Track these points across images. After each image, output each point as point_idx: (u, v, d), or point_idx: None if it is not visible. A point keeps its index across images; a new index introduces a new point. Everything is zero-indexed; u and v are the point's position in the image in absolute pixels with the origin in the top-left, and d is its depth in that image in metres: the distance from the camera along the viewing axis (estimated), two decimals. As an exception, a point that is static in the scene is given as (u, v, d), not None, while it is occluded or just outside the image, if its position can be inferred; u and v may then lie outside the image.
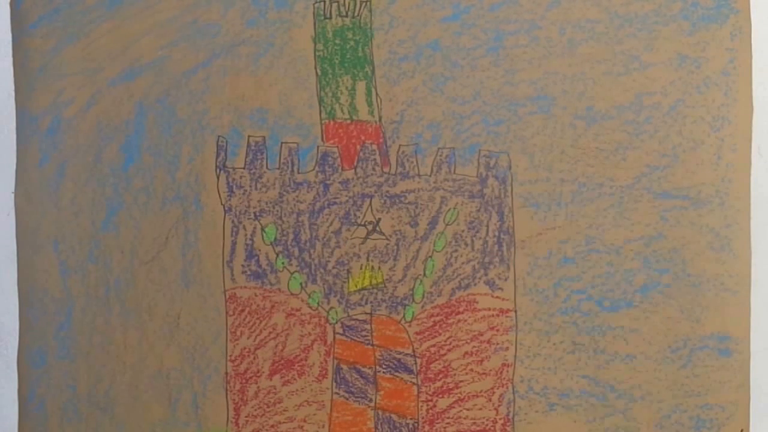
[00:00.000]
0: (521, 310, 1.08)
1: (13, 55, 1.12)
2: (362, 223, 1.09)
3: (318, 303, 1.09)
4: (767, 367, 1.11)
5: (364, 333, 1.09)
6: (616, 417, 1.07)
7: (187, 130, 1.10)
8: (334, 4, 1.09)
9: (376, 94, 1.08)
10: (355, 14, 1.09)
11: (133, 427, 1.10)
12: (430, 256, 1.08)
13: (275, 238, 1.09)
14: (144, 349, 1.10)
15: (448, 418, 1.09)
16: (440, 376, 1.08)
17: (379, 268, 1.08)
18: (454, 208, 1.08)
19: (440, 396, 1.09)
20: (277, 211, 1.09)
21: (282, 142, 1.09)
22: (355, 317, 1.09)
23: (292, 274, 1.09)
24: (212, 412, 1.09)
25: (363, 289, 1.09)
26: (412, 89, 1.08)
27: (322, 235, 1.09)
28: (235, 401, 1.09)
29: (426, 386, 1.09)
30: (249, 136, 1.09)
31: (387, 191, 1.09)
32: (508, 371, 1.08)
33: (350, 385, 1.09)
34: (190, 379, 1.10)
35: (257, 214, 1.09)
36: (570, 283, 1.07)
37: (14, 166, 1.12)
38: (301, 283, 1.09)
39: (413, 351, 1.09)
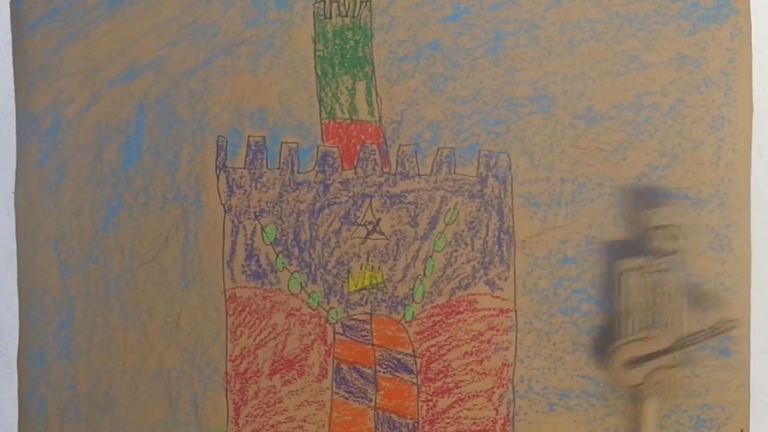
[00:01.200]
0: (521, 310, 1.08)
1: (13, 55, 1.12)
2: (362, 223, 1.09)
3: (318, 303, 1.09)
4: (767, 367, 1.11)
5: (364, 333, 1.09)
6: (616, 417, 1.07)
7: (187, 130, 1.10)
8: (334, 4, 1.09)
9: (376, 94, 1.08)
10: (355, 14, 1.09)
11: (133, 427, 1.10)
12: (430, 256, 1.08)
13: (275, 238, 1.09)
14: (144, 349, 1.10)
15: (448, 418, 1.09)
16: (440, 376, 1.08)
17: (379, 268, 1.09)
18: (454, 208, 1.08)
19: (440, 396, 1.09)
20: (277, 211, 1.09)
21: (282, 142, 1.09)
22: (355, 317, 1.09)
23: (292, 274, 1.09)
24: (212, 412, 1.10)
25: (363, 289, 1.09)
26: (412, 89, 1.08)
27: (322, 235, 1.09)
28: (235, 401, 1.09)
29: (426, 386, 1.09)
30: (249, 136, 1.09)
31: (387, 191, 1.09)
32: (508, 371, 1.08)
33: (350, 385, 1.09)
34: (190, 379, 1.10)
35: (257, 214, 1.09)
36: (570, 283, 1.07)
37: (14, 166, 1.12)
38: (301, 283, 1.09)
39: (413, 351, 1.09)
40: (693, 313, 1.06)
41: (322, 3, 1.09)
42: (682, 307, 1.04)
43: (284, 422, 1.09)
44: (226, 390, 1.09)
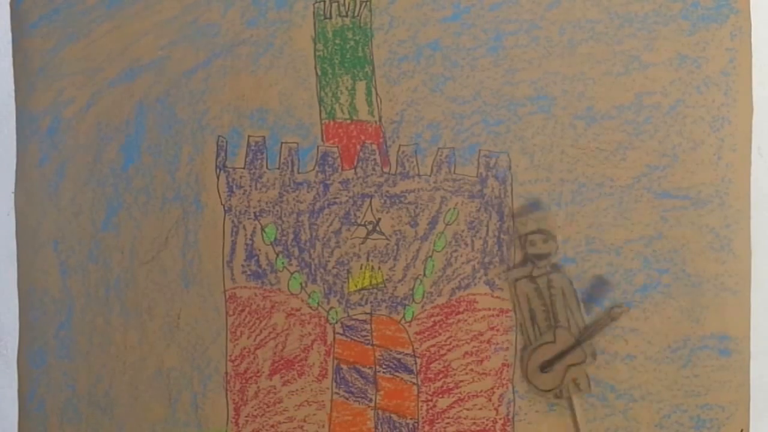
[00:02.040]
0: (521, 310, 1.08)
1: (13, 55, 1.12)
2: (362, 223, 1.09)
3: (318, 303, 1.09)
4: (767, 367, 1.11)
5: (363, 333, 1.09)
6: (616, 417, 1.07)
7: (187, 130, 1.10)
8: (334, 4, 1.09)
9: (376, 94, 1.08)
10: (355, 14, 1.09)
11: (133, 427, 1.10)
12: (430, 256, 1.08)
13: (275, 238, 1.09)
14: (144, 349, 1.10)
15: (448, 418, 1.09)
16: (440, 376, 1.09)
17: (379, 268, 1.09)
18: (454, 208, 1.08)
19: (440, 396, 1.09)
20: (277, 211, 1.09)
21: (282, 142, 1.09)
22: (355, 317, 1.09)
23: (292, 274, 1.09)
24: (212, 412, 1.10)
25: (363, 289, 1.09)
26: (412, 89, 1.08)
27: (322, 235, 1.09)
28: (235, 401, 1.09)
29: (426, 386, 1.09)
30: (249, 136, 1.09)
31: (387, 191, 1.09)
32: (508, 371, 1.08)
33: (350, 385, 1.09)
34: (190, 379, 1.10)
35: (257, 214, 1.09)
36: (570, 283, 1.07)
37: (14, 166, 1.12)
38: (301, 283, 1.09)
39: (413, 351, 1.09)
40: (585, 306, 1.06)
41: (322, 3, 1.09)
42: (576, 303, 1.05)
43: (284, 422, 1.09)
44: (226, 390, 1.09)
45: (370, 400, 1.09)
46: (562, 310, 1.04)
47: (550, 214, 1.05)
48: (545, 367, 1.05)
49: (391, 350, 1.09)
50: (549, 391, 1.05)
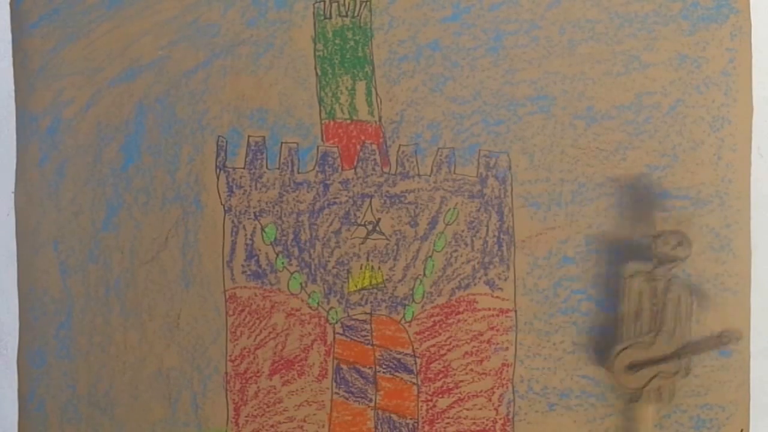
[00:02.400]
0: (521, 310, 1.08)
1: (13, 55, 1.12)
2: (362, 223, 1.09)
3: (318, 303, 1.09)
4: (767, 367, 1.11)
5: (363, 333, 1.09)
6: (616, 417, 1.07)
7: (187, 130, 1.10)
8: (334, 4, 1.09)
9: (376, 94, 1.08)
10: (355, 14, 1.09)
11: (133, 427, 1.10)
12: (430, 256, 1.08)
13: (275, 238, 1.09)
14: (144, 349, 1.10)
15: (448, 418, 1.09)
16: (440, 376, 1.09)
17: (379, 268, 1.09)
18: (454, 208, 1.08)
19: (440, 396, 1.09)
20: (277, 211, 1.09)
21: (282, 142, 1.09)
22: (355, 317, 1.09)
23: (292, 274, 1.09)
24: (212, 412, 1.10)
25: (363, 289, 1.09)
26: (412, 89, 1.08)
27: (322, 235, 1.09)
28: (235, 401, 1.09)
29: (426, 386, 1.09)
30: (249, 136, 1.09)
31: (387, 191, 1.09)
32: (508, 371, 1.08)
33: (350, 385, 1.09)
34: (190, 379, 1.10)
35: (257, 214, 1.09)
36: (570, 283, 1.07)
37: (14, 166, 1.12)
38: (301, 283, 1.09)
39: (413, 351, 1.09)
40: (698, 321, 1.05)
41: (322, 3, 1.09)
42: (688, 314, 1.04)
43: (284, 422, 1.09)
44: (226, 390, 1.09)
45: (370, 400, 1.09)
46: (671, 317, 1.03)
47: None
48: (634, 367, 1.03)
49: (391, 350, 1.09)
50: (628, 391, 1.04)
